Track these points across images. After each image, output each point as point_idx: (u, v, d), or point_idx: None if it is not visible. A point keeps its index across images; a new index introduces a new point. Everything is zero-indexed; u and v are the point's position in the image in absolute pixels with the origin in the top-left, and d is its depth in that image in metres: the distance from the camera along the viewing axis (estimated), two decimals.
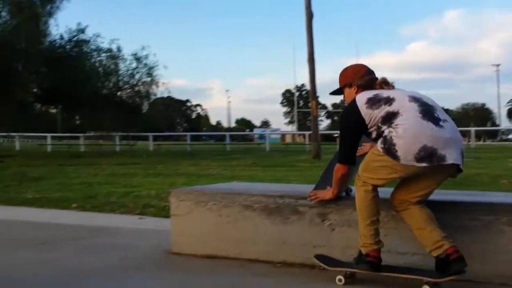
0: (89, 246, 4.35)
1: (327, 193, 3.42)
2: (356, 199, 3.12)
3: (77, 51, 23.31)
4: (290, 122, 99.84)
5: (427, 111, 2.98)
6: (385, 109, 3.00)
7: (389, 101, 3.03)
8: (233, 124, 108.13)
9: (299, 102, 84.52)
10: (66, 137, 42.93)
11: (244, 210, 3.70)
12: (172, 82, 56.79)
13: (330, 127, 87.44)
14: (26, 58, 19.05)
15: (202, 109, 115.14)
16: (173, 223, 4.00)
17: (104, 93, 24.12)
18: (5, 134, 36.51)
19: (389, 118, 2.97)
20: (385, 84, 3.20)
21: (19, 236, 4.79)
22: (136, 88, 25.18)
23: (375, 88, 3.18)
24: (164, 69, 34.95)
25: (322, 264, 3.23)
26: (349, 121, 3.16)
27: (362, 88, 3.23)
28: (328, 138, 34.60)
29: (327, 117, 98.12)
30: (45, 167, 14.40)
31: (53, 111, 32.72)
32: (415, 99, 3.04)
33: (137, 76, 24.99)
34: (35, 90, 22.47)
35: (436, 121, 2.93)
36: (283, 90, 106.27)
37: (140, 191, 8.11)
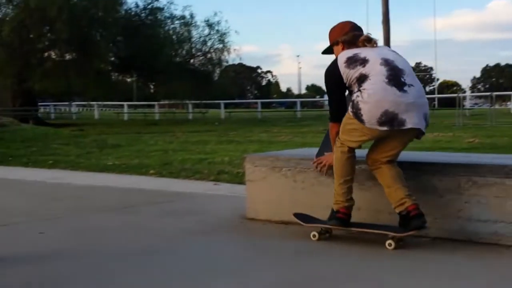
0: (167, 210, 4.49)
1: (330, 156, 3.41)
2: (333, 159, 3.34)
3: (151, 19, 23.64)
4: None
5: (394, 75, 3.10)
6: (359, 70, 3.16)
7: (363, 62, 3.17)
8: (303, 91, 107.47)
9: None
10: (141, 106, 44.27)
11: (319, 175, 3.68)
12: (242, 49, 56.80)
13: None
14: (104, 27, 19.58)
15: (273, 76, 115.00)
16: (248, 189, 4.05)
17: (177, 61, 24.46)
18: (85, 103, 38.17)
19: (361, 81, 3.13)
20: (367, 41, 3.31)
21: (105, 201, 5.01)
22: (208, 56, 25.35)
23: (358, 45, 3.30)
24: (236, 35, 35.06)
25: (299, 221, 3.47)
26: (330, 80, 3.34)
27: (348, 44, 3.35)
28: None
29: None
30: (123, 135, 14.96)
31: (129, 80, 33.73)
32: (386, 62, 3.16)
33: (209, 43, 25.14)
34: (112, 59, 23.12)
35: (400, 86, 3.07)
36: None
37: (214, 158, 8.26)
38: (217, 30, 24.80)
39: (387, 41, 18.64)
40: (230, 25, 59.89)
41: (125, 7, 23.26)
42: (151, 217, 4.26)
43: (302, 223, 3.45)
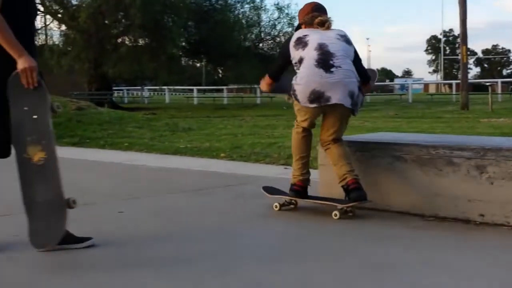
0: (239, 193, 4.54)
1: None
2: (292, 139, 3.82)
3: (221, 3, 23.79)
4: (435, 71, 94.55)
5: (323, 59, 3.51)
6: (300, 53, 3.59)
7: (305, 46, 3.59)
8: None
9: (446, 49, 79.58)
10: (210, 90, 44.84)
11: (395, 160, 3.60)
12: None
13: (480, 75, 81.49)
14: (175, 12, 19.91)
15: None
16: (320, 173, 4.03)
17: (246, 45, 24.55)
18: (156, 87, 39.16)
19: (299, 63, 3.60)
20: (320, 24, 3.66)
21: (179, 183, 5.13)
22: (277, 39, 25.23)
23: (313, 27, 3.68)
24: None
25: (265, 193, 3.91)
26: (282, 51, 3.88)
27: (308, 25, 3.73)
28: (477, 87, 32.33)
29: (476, 65, 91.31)
30: (193, 119, 15.25)
31: (198, 64, 34.25)
32: (320, 47, 3.54)
33: (278, 27, 25.00)
34: (183, 44, 23.53)
35: (328, 68, 3.48)
36: (428, 37, 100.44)
37: (283, 142, 8.25)
38: (287, 14, 24.63)
39: (463, 23, 17.87)
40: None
41: None
42: (224, 199, 4.32)
43: (267, 195, 3.89)
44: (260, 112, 19.09)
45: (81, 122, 10.55)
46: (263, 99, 30.46)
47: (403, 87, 48.32)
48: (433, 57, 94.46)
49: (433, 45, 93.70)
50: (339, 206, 3.52)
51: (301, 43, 3.59)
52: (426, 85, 57.83)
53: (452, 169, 3.39)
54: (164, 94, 35.94)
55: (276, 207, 3.79)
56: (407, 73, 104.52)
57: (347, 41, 3.68)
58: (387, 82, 73.53)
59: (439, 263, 2.62)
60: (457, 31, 22.64)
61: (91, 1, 19.52)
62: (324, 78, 3.46)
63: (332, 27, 3.73)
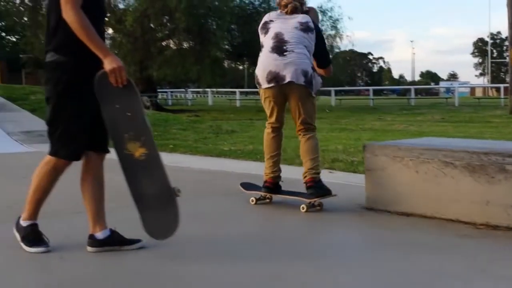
0: (280, 197, 4.53)
1: None
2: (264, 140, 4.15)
3: (264, 6, 23.81)
4: (481, 74, 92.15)
5: (277, 46, 3.89)
6: (262, 39, 4.02)
7: (266, 33, 4.00)
8: (417, 78, 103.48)
9: (493, 52, 77.44)
10: (252, 92, 44.97)
11: (444, 166, 3.53)
12: (354, 35, 55.63)
13: None
14: (219, 16, 20.06)
15: (384, 62, 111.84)
16: (367, 178, 3.98)
17: None
18: (199, 90, 39.56)
19: (261, 48, 4.01)
20: (283, 7, 4.02)
21: (223, 185, 5.17)
22: None
23: (281, 9, 4.06)
24: (349, 20, 34.40)
25: (242, 189, 4.22)
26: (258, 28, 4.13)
27: (280, 7, 4.08)
28: None
29: None
30: (236, 121, 15.33)
31: (241, 67, 34.42)
32: (276, 36, 3.92)
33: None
34: (226, 47, 23.69)
35: (281, 52, 3.87)
36: (474, 39, 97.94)
37: (327, 145, 8.20)
38: (330, 17, 24.46)
39: (511, 25, 17.37)
40: (343, 11, 58.88)
41: None
42: (267, 203, 4.32)
43: (244, 190, 4.21)
44: None
45: None
46: None
47: (448, 90, 47.34)
48: (480, 60, 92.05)
49: (480, 48, 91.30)
50: (307, 200, 3.88)
51: (264, 28, 4.04)
52: (473, 89, 56.39)
53: (504, 176, 3.29)
54: (207, 96, 36.28)
55: (252, 201, 4.17)
56: (453, 76, 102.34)
57: (306, 28, 3.97)
58: (432, 85, 71.99)
59: (492, 273, 2.55)
60: (505, 33, 22.07)
61: (137, 5, 19.90)
62: (278, 60, 3.87)
63: (303, 12, 4.07)
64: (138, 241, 2.93)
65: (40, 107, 11.38)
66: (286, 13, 4.00)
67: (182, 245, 3.03)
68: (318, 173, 3.95)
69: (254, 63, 27.60)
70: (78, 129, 2.72)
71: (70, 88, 2.68)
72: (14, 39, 48.15)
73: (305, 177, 3.92)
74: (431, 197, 3.60)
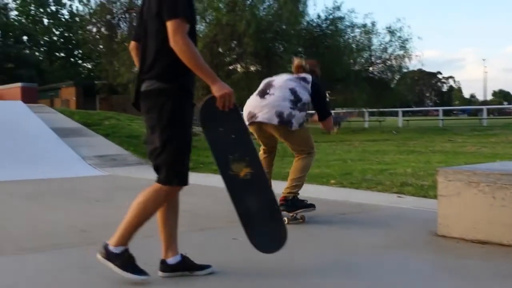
0: (352, 222, 4.47)
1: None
2: None
3: (332, 29, 23.76)
4: None
5: (263, 90, 4.44)
6: None
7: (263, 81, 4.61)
8: (489, 97, 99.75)
9: None
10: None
11: None
12: (423, 54, 54.39)
13: None
14: (286, 39, 20.22)
15: (455, 82, 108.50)
16: (439, 204, 3.85)
17: (356, 69, 24.31)
18: None
19: None
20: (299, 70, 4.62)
21: None
22: (388, 63, 24.71)
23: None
24: (418, 40, 33.71)
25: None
26: None
27: None
28: None
29: None
30: None
31: None
32: (267, 82, 4.52)
33: (389, 50, 24.40)
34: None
35: (262, 95, 4.38)
36: None
37: (395, 168, 8.03)
38: (399, 37, 24.00)
39: None
40: (412, 31, 57.57)
41: (307, 19, 23.76)
42: (336, 228, 4.27)
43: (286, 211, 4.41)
44: (369, 136, 18.76)
45: (195, 147, 10.96)
46: (372, 123, 29.93)
47: None
48: None
49: None
50: (289, 214, 4.38)
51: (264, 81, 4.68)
52: None
53: None
54: None
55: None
56: None
57: (300, 78, 4.48)
58: (505, 105, 69.12)
59: None
60: None
61: (207, 32, 20.39)
62: (257, 102, 4.38)
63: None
64: (208, 266, 2.95)
65: (113, 132, 11.84)
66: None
67: (255, 274, 3.02)
68: (293, 192, 4.46)
69: None
70: (187, 155, 2.75)
71: (176, 114, 2.69)
72: (89, 66, 50.56)
73: (285, 194, 4.45)
74: (508, 224, 3.43)
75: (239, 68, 21.25)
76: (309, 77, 4.53)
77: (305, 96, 4.39)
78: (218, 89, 2.70)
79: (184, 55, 2.61)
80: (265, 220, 2.91)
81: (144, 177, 8.07)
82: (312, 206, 4.51)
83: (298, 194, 4.52)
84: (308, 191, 6.29)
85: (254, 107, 4.36)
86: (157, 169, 2.75)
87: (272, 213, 2.93)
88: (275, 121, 4.26)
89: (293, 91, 4.36)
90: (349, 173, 7.64)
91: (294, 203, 4.43)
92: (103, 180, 7.96)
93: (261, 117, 4.29)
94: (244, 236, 3.05)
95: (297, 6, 20.63)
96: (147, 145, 2.82)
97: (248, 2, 21.20)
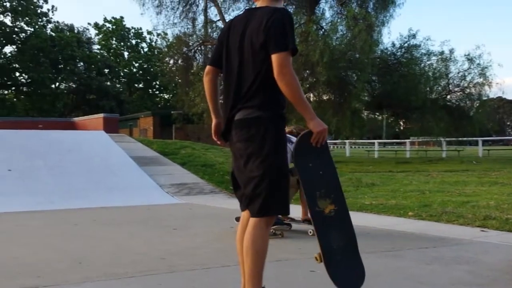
0: (432, 256, 4.31)
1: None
2: None
3: (407, 57, 23.42)
4: None
5: None
6: None
7: None
8: None
9: None
10: (391, 143, 44.00)
11: None
12: (504, 81, 52.01)
13: None
14: (360, 68, 20.12)
15: None
16: None
17: (432, 98, 23.71)
18: (336, 141, 39.54)
19: None
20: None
21: (366, 242, 5.03)
22: (467, 91, 23.93)
23: None
24: (499, 67, 32.59)
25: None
26: None
27: None
28: None
29: None
30: (375, 173, 15.00)
31: (379, 117, 33.89)
32: None
33: (468, 78, 23.67)
34: (365, 98, 23.59)
35: None
36: None
37: (477, 201, 7.70)
38: (478, 64, 23.28)
39: None
40: (493, 58, 55.53)
41: (381, 47, 23.55)
42: (416, 263, 4.13)
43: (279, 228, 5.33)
44: (447, 166, 18.12)
45: None
46: (450, 152, 28.93)
47: None
48: None
49: None
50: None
51: None
52: None
53: None
54: (344, 147, 36.13)
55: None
56: None
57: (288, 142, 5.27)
58: None
59: None
60: None
61: None
62: None
63: None
64: None
65: (189, 161, 12.13)
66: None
67: None
68: None
69: (394, 113, 27.27)
70: (286, 183, 2.74)
71: (278, 143, 2.71)
72: (166, 97, 52.41)
73: None
74: None
75: (312, 97, 21.30)
76: (293, 138, 5.22)
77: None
78: (316, 125, 2.72)
79: (289, 88, 2.64)
80: (345, 257, 2.92)
81: (220, 206, 8.20)
82: (288, 225, 5.53)
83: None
84: (384, 223, 6.17)
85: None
86: (251, 199, 2.71)
87: (352, 251, 2.95)
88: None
89: None
90: (428, 205, 7.40)
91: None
92: (180, 208, 8.14)
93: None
94: (322, 270, 3.02)
95: (371, 35, 20.52)
96: (239, 174, 2.79)
97: (321, 32, 21.34)
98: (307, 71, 19.81)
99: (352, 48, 19.98)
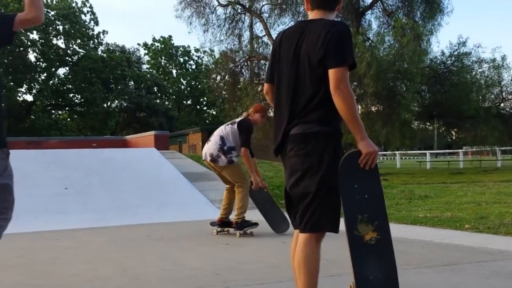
0: (493, 271, 4.18)
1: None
2: None
3: (457, 65, 22.92)
4: None
5: (209, 137, 6.72)
6: None
7: None
8: None
9: None
10: (443, 153, 42.92)
11: None
12: None
13: None
14: (409, 78, 19.82)
15: None
16: None
17: (485, 106, 23.09)
18: (386, 152, 38.92)
19: None
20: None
21: (422, 256, 4.94)
22: None
23: None
24: None
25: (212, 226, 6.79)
26: None
27: None
28: None
29: None
30: (428, 185, 14.68)
31: (430, 127, 33.18)
32: (214, 133, 6.68)
33: None
34: (415, 108, 23.18)
35: (207, 141, 6.64)
36: None
37: None
38: None
39: None
40: None
41: (430, 56, 23.11)
42: (476, 277, 4.01)
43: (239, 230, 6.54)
44: (503, 176, 17.54)
45: None
46: (505, 162, 28.00)
47: None
48: None
49: None
50: (240, 231, 6.56)
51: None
52: None
53: None
54: (394, 158, 35.52)
55: (214, 232, 6.78)
56: None
57: (231, 124, 6.63)
58: None
59: None
60: None
61: None
62: (205, 146, 6.62)
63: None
64: None
65: None
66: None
67: None
68: (240, 217, 6.51)
69: (445, 123, 26.67)
70: (338, 200, 2.70)
71: (334, 158, 2.68)
72: (214, 112, 53.00)
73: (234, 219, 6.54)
74: None
75: (360, 108, 21.10)
76: (238, 119, 6.71)
77: (230, 141, 6.45)
78: (366, 146, 2.64)
79: (344, 104, 2.59)
80: None
81: None
82: (255, 224, 6.60)
83: (244, 217, 6.52)
84: (440, 236, 6.03)
85: (204, 150, 6.57)
86: (304, 215, 2.69)
87: (391, 286, 2.69)
88: (208, 159, 6.49)
89: (221, 138, 6.46)
90: (485, 217, 7.18)
91: (242, 224, 6.52)
92: None
93: (204, 156, 6.56)
94: None
95: (419, 45, 20.20)
96: (292, 189, 2.75)
97: (368, 44, 21.19)
98: (354, 83, 19.64)
99: (400, 58, 19.71)
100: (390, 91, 19.71)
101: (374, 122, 20.00)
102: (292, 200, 2.81)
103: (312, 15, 2.84)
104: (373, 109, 21.29)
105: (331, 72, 2.61)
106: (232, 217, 6.62)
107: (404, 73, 19.90)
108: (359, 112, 20.33)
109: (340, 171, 2.68)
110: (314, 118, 2.68)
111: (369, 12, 25.00)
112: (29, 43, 39.96)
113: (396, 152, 33.33)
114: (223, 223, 6.67)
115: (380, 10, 24.86)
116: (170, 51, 54.38)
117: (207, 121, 51.68)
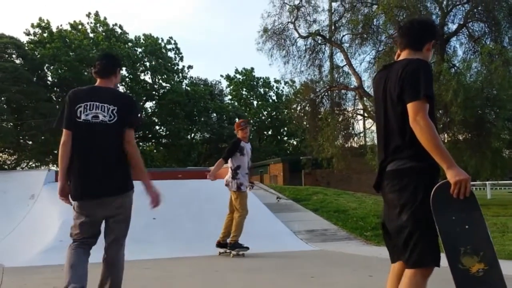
0: None
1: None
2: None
3: None
4: None
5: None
6: (237, 155, 7.99)
7: (242, 154, 7.96)
8: None
9: None
10: None
11: None
12: None
13: None
14: (498, 105, 19.01)
15: None
16: None
17: None
18: (475, 182, 37.14)
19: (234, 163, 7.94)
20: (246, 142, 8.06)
21: None
22: None
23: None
24: None
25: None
26: None
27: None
28: None
29: None
30: None
31: None
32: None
33: None
34: (506, 136, 22.09)
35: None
36: None
37: None
38: None
39: None
40: None
41: None
42: None
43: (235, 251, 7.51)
44: None
45: None
46: None
47: None
48: None
49: None
50: (233, 252, 7.66)
51: (242, 150, 7.83)
52: None
53: None
54: (484, 189, 33.86)
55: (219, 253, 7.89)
56: None
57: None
58: None
59: None
60: None
61: None
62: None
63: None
64: None
65: (321, 207, 12.11)
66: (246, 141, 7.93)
67: None
68: (234, 239, 7.62)
69: None
70: (436, 233, 2.67)
71: (427, 194, 2.67)
72: (294, 143, 53.16)
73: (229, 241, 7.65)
74: None
75: (445, 137, 20.40)
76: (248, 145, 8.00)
77: (236, 161, 7.79)
78: (454, 175, 2.60)
79: (423, 135, 2.63)
80: None
81: (355, 252, 8.05)
82: (246, 248, 7.64)
83: (238, 240, 7.60)
84: (505, 269, 5.65)
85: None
86: (405, 250, 2.69)
87: None
88: (224, 183, 7.78)
89: (231, 162, 7.84)
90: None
91: (234, 245, 7.63)
92: (315, 255, 8.11)
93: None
94: None
95: (509, 70, 19.36)
96: (390, 223, 2.80)
97: (453, 70, 20.57)
98: (440, 111, 19.05)
99: (489, 84, 18.95)
100: (478, 118, 18.90)
101: (462, 151, 19.20)
102: (390, 234, 2.84)
103: (401, 56, 2.99)
104: (461, 138, 20.48)
105: (408, 107, 2.70)
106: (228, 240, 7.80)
107: (494, 100, 19.07)
108: (445, 140, 19.77)
109: (432, 205, 2.63)
110: (408, 154, 2.74)
111: (454, 38, 24.31)
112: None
113: (486, 182, 31.76)
114: (221, 245, 7.80)
115: (466, 36, 24.11)
116: (252, 82, 55.39)
117: (288, 152, 51.82)
